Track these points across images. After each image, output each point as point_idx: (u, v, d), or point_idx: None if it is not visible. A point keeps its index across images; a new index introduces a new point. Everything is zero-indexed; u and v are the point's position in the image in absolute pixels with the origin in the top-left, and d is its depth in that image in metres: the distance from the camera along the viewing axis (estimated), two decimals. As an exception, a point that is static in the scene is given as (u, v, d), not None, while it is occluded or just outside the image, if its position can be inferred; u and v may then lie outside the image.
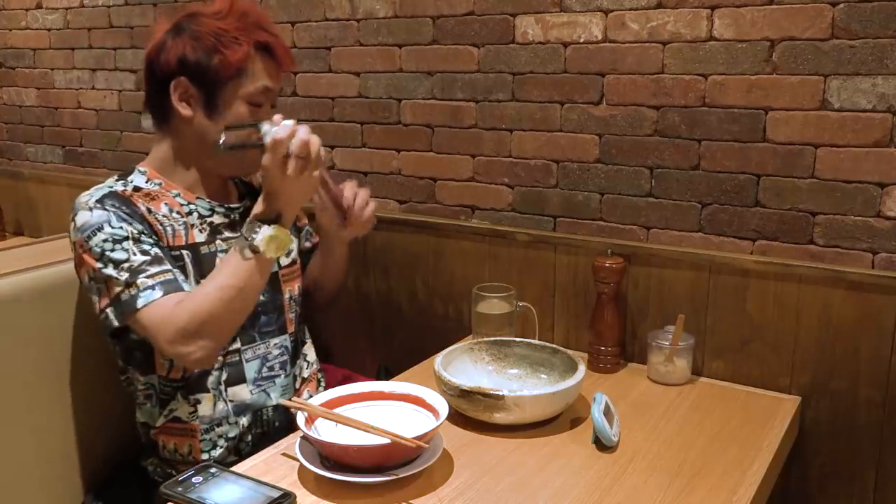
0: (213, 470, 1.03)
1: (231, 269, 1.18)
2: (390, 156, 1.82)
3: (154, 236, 1.23)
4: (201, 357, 1.17)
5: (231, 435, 1.30)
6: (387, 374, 1.64)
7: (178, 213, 1.29)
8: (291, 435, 1.23)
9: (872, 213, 1.32)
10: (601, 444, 1.16)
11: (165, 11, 1.49)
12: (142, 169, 1.33)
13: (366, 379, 1.40)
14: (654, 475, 1.09)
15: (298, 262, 1.47)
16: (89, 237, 1.19)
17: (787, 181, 1.37)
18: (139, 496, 1.32)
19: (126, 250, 1.18)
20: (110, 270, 1.17)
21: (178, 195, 1.31)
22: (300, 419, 1.10)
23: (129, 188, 1.28)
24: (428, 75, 1.72)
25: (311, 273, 1.55)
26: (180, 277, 1.22)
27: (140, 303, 1.16)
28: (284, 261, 1.41)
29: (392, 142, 1.80)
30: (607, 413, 1.17)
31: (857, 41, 1.28)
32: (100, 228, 1.19)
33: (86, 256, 1.20)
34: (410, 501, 1.02)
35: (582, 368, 1.25)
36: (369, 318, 1.86)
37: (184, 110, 1.27)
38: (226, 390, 1.30)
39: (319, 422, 1.12)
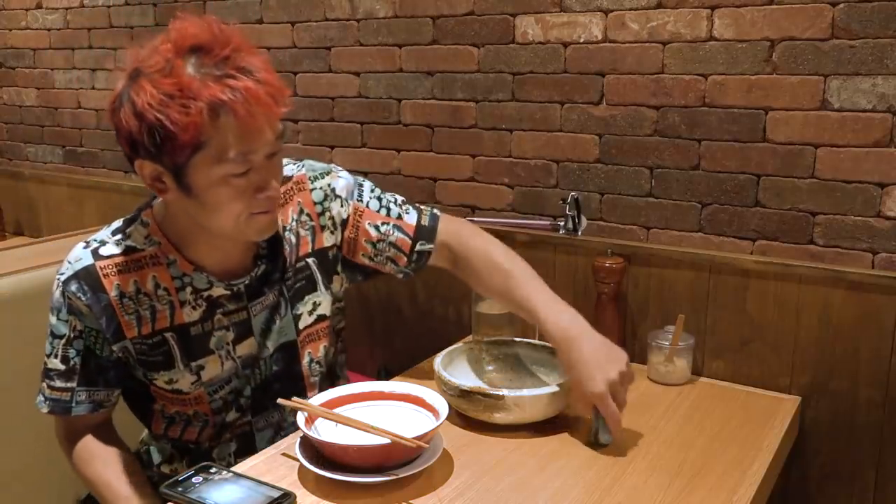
0: (213, 470, 1.03)
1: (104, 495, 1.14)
2: (390, 156, 1.82)
3: (100, 337, 1.12)
4: None
5: None
6: (387, 375, 1.64)
7: (165, 289, 1.12)
8: (291, 435, 1.22)
9: (872, 213, 1.32)
10: (599, 443, 1.16)
11: (132, 46, 1.11)
12: (145, 220, 1.13)
13: (366, 379, 1.40)
14: (654, 475, 1.09)
15: (329, 317, 1.26)
16: (50, 310, 1.15)
17: (787, 181, 1.37)
18: None
19: (53, 347, 1.14)
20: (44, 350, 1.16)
21: (174, 263, 1.12)
22: (300, 419, 1.10)
23: (120, 249, 1.12)
24: (428, 75, 1.72)
25: (465, 280, 1.29)
26: (82, 396, 1.15)
27: (36, 400, 1.17)
28: (305, 321, 1.23)
29: (392, 142, 1.80)
30: None
31: (857, 41, 1.28)
32: (52, 312, 1.14)
33: None
34: (410, 501, 1.02)
35: (582, 368, 1.25)
36: (369, 319, 1.86)
37: (160, 193, 1.05)
38: (235, 460, 1.21)
39: (319, 422, 1.12)
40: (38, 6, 2.42)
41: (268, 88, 0.98)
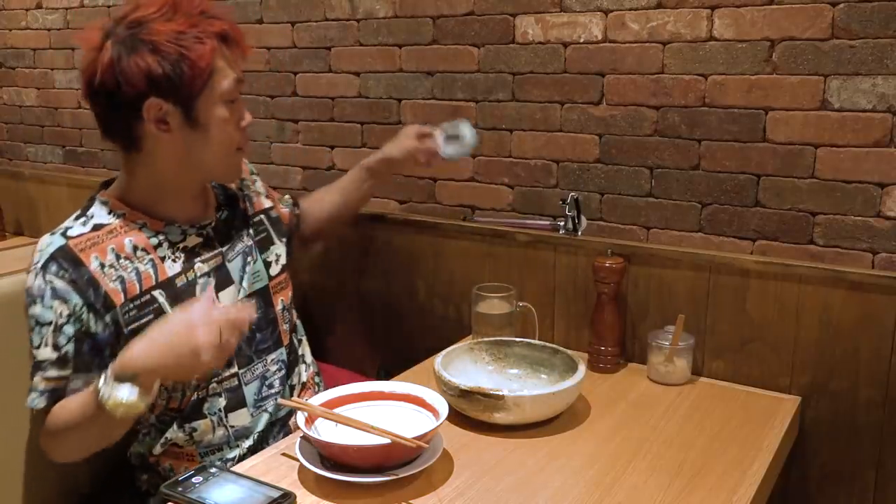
0: (213, 470, 1.03)
1: (82, 413, 1.10)
2: (390, 156, 1.81)
3: (92, 310, 1.14)
4: (64, 462, 1.19)
5: (230, 456, 1.27)
6: (387, 374, 1.64)
7: (143, 249, 1.20)
8: (291, 435, 1.23)
9: (872, 213, 1.32)
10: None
11: (92, 21, 1.29)
12: (103, 199, 1.22)
13: (366, 379, 1.40)
14: (654, 475, 1.09)
15: (287, 267, 1.42)
16: (28, 304, 1.16)
17: (787, 181, 1.37)
18: None
19: (41, 337, 1.14)
20: (30, 346, 1.16)
21: (145, 226, 1.21)
22: (300, 419, 1.10)
23: (88, 228, 1.18)
24: (428, 75, 1.72)
25: (329, 212, 1.60)
26: (78, 383, 1.14)
27: (27, 402, 1.16)
28: (275, 269, 1.37)
29: (392, 142, 1.80)
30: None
31: (857, 41, 1.28)
32: (34, 302, 1.15)
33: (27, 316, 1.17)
34: (410, 501, 1.02)
35: (582, 368, 1.25)
36: (369, 318, 1.86)
37: (164, 132, 1.16)
38: (226, 416, 1.26)
39: (319, 422, 1.12)
40: (38, 6, 2.42)
41: (238, 29, 1.21)
